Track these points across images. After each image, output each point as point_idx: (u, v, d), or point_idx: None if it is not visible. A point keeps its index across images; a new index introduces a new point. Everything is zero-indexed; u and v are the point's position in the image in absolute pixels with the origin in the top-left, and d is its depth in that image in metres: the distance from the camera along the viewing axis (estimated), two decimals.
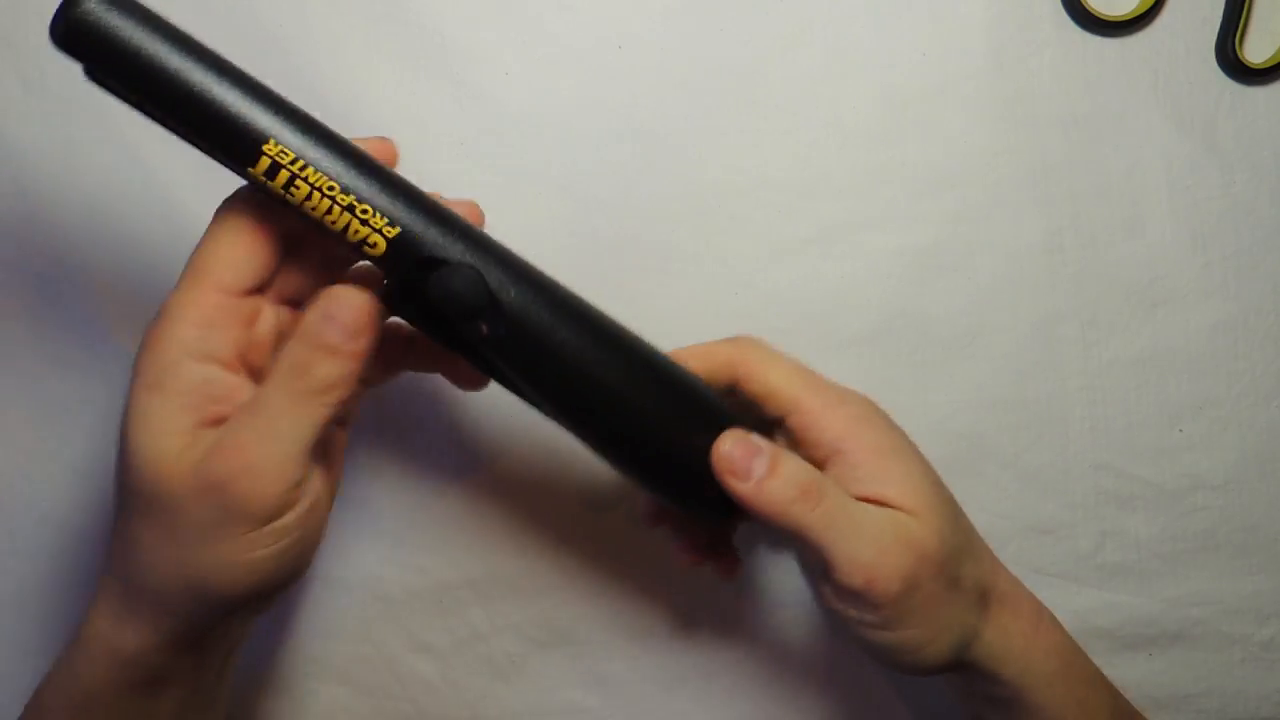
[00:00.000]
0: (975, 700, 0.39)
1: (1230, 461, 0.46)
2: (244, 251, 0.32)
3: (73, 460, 0.45)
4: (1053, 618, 0.38)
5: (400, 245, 0.32)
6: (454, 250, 0.32)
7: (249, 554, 0.31)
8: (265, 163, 0.30)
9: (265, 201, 0.32)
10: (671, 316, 0.45)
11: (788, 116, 0.45)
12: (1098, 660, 0.40)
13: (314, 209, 0.31)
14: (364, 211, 0.31)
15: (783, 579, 0.46)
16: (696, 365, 0.37)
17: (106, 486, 0.45)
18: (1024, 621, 0.37)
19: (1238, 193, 0.46)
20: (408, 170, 0.45)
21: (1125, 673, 0.46)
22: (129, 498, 0.31)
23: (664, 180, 0.45)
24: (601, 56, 0.45)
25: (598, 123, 0.45)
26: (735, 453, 0.34)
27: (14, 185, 0.45)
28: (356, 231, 0.31)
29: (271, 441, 0.30)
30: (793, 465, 0.34)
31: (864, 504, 0.34)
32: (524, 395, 0.36)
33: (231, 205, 0.32)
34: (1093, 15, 0.45)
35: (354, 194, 0.31)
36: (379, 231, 0.31)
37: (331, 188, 0.31)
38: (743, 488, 0.34)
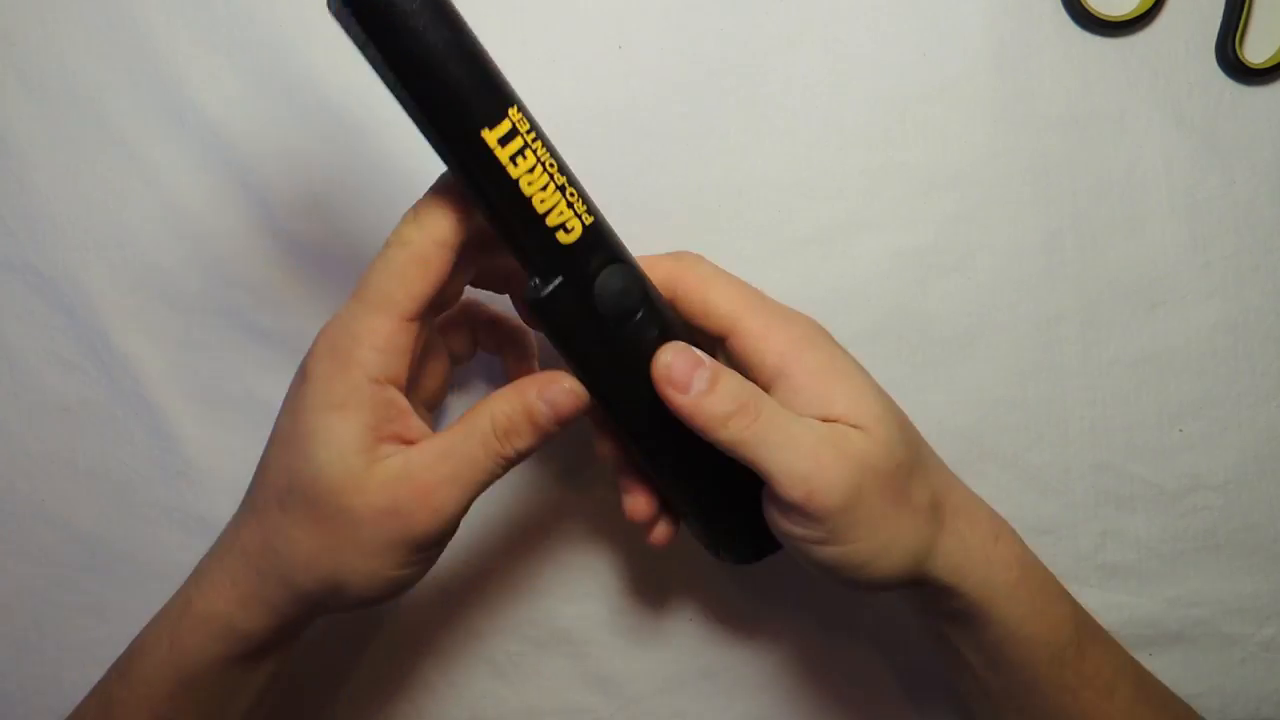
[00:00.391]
0: (935, 616, 0.39)
1: (1230, 461, 0.46)
2: (430, 286, 0.33)
3: (73, 460, 0.45)
4: (1012, 532, 0.38)
5: (590, 235, 0.32)
6: (620, 250, 0.34)
7: (400, 571, 0.34)
8: (506, 126, 0.31)
9: (454, 224, 0.33)
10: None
11: (788, 116, 0.45)
12: None
13: (531, 183, 0.31)
14: (571, 194, 0.32)
15: (782, 579, 0.46)
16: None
17: (107, 486, 0.46)
18: (981, 533, 0.36)
19: (1238, 193, 0.46)
20: (408, 171, 0.45)
21: None
22: (294, 502, 0.33)
23: (664, 180, 0.45)
24: (601, 56, 0.45)
25: (598, 123, 0.45)
26: (676, 364, 0.34)
27: (15, 184, 0.45)
28: (560, 214, 0.32)
29: (459, 487, 0.34)
30: (732, 382, 0.34)
31: (805, 419, 0.34)
32: (623, 415, 0.36)
33: (419, 238, 0.34)
34: (1093, 15, 0.45)
35: (565, 175, 0.32)
36: (579, 217, 0.32)
37: (552, 164, 0.32)
38: (680, 400, 0.34)
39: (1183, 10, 0.45)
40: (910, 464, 0.35)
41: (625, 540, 0.46)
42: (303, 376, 0.34)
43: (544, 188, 0.31)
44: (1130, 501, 0.46)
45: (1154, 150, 0.46)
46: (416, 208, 0.34)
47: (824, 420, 0.34)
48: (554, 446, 0.46)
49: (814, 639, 0.47)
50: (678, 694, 0.47)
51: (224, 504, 0.39)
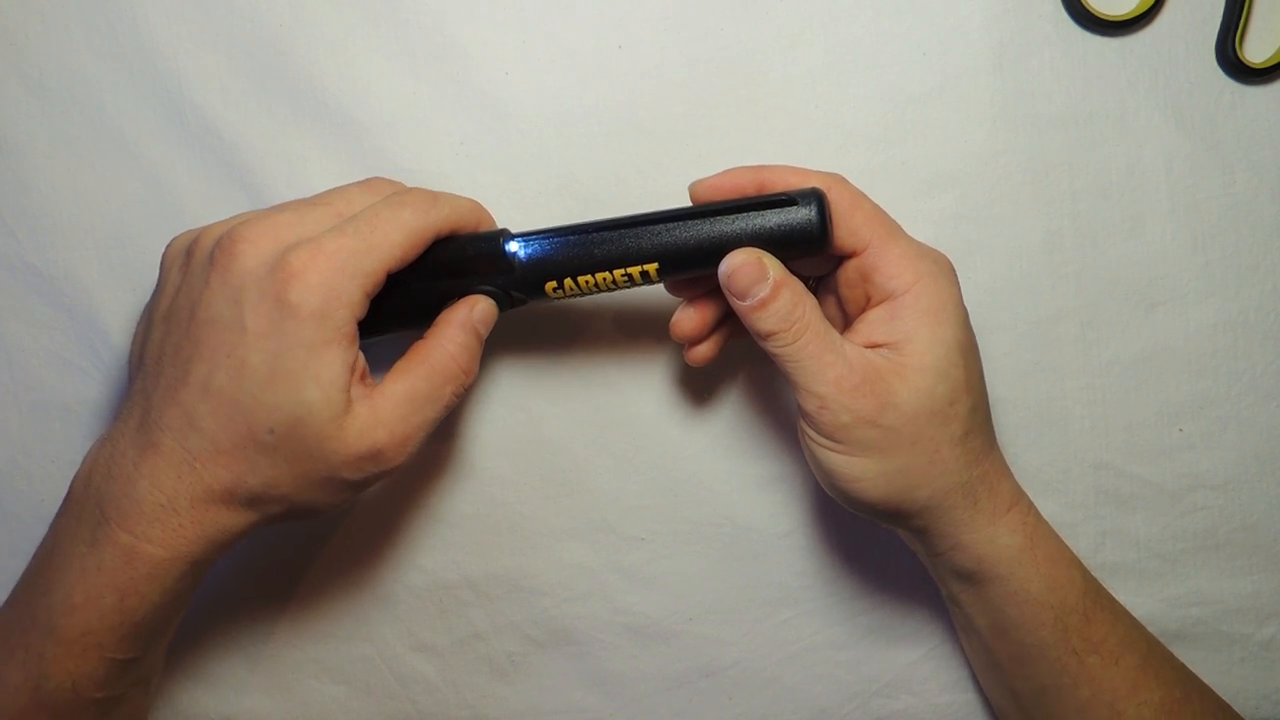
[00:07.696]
0: (945, 572, 0.41)
1: (1230, 461, 0.46)
2: (414, 250, 0.37)
3: (73, 460, 0.45)
4: (1031, 507, 0.40)
5: (664, 265, 0.38)
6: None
7: (361, 493, 0.37)
8: (552, 286, 0.39)
9: (456, 222, 0.39)
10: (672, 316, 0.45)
11: (788, 116, 0.45)
12: None
13: (595, 290, 0.39)
14: (624, 277, 0.38)
15: (781, 579, 0.46)
16: (793, 180, 0.39)
17: None
18: (996, 501, 0.39)
19: (1238, 193, 0.46)
20: (408, 171, 0.45)
21: None
22: (275, 442, 0.34)
23: (664, 180, 0.45)
24: (601, 56, 0.45)
25: (597, 122, 0.45)
26: (740, 273, 0.37)
27: (15, 184, 0.45)
28: (632, 280, 0.38)
29: (426, 429, 0.37)
30: (785, 302, 0.37)
31: (846, 346, 0.37)
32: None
33: (436, 214, 0.37)
34: (1093, 15, 0.45)
35: (609, 274, 0.38)
36: (645, 272, 0.38)
37: (598, 283, 0.38)
38: (736, 304, 0.37)
39: (1183, 10, 0.45)
40: (945, 417, 0.37)
41: (624, 539, 0.46)
42: (284, 308, 0.34)
43: (606, 286, 0.39)
44: (1130, 501, 0.46)
45: (1154, 150, 0.46)
46: (442, 194, 0.38)
47: (886, 346, 0.37)
48: (555, 449, 0.46)
49: (814, 641, 0.47)
50: (678, 694, 0.47)
51: None
